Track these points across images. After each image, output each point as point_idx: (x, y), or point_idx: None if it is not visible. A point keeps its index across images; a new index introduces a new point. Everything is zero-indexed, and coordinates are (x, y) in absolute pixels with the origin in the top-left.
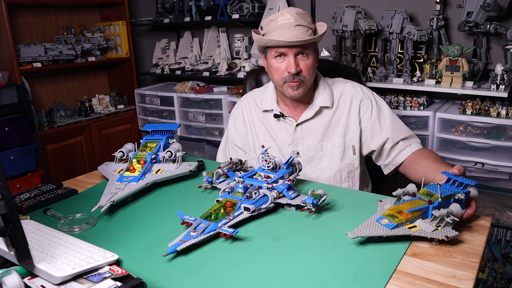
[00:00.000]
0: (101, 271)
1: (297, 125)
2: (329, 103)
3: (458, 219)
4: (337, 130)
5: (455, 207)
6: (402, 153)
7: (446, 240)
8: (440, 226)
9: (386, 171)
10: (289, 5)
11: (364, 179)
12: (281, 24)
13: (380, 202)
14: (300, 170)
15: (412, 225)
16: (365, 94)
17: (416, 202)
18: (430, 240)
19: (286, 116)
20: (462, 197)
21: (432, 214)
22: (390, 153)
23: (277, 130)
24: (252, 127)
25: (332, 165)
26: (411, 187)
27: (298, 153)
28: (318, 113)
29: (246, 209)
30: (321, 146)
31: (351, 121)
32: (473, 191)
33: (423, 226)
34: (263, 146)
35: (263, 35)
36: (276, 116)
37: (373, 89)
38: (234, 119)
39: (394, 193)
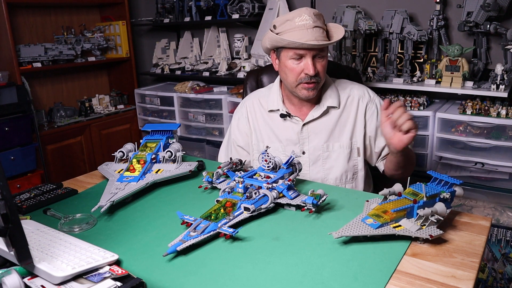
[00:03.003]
0: (101, 271)
1: (304, 124)
2: (336, 103)
3: (442, 218)
4: (344, 131)
5: (439, 206)
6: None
7: (430, 239)
8: (424, 225)
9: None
10: (289, 6)
11: (368, 180)
12: (300, 25)
13: (367, 202)
14: (300, 170)
15: (397, 224)
16: (371, 98)
17: (401, 202)
18: (415, 239)
19: (292, 116)
20: (447, 196)
21: (417, 214)
22: (382, 158)
23: (283, 130)
24: (256, 128)
25: (338, 165)
26: (397, 187)
27: (304, 153)
28: (325, 113)
29: (246, 209)
30: (327, 146)
31: (358, 123)
32: (458, 190)
33: (407, 226)
34: (267, 147)
35: (276, 34)
36: (282, 115)
37: (373, 89)
38: (237, 119)
39: (380, 193)
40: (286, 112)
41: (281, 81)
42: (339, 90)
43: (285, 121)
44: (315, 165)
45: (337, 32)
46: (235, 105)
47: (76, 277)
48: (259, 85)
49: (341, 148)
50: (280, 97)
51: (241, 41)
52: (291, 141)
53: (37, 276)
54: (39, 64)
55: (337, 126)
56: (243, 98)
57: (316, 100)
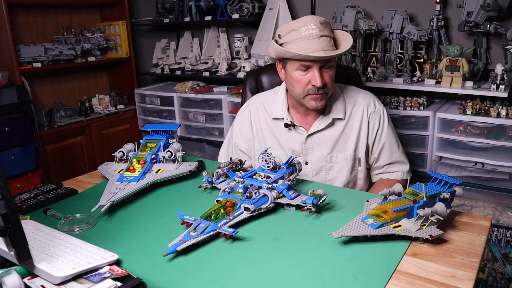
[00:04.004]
0: (101, 271)
1: (308, 135)
2: (341, 114)
3: (442, 218)
4: (348, 142)
5: (439, 206)
6: (380, 175)
7: (430, 239)
8: (424, 225)
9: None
10: (289, 6)
11: (366, 184)
12: (305, 35)
13: (367, 202)
14: (300, 170)
15: (397, 224)
16: (375, 109)
17: (402, 202)
18: (415, 239)
19: (297, 126)
20: (447, 196)
21: (417, 214)
22: (373, 170)
23: (287, 139)
24: (259, 134)
25: (341, 177)
26: (397, 187)
27: (307, 163)
28: (330, 124)
29: (246, 209)
30: (331, 157)
31: (362, 134)
32: (458, 190)
33: (407, 226)
34: (268, 148)
35: (281, 44)
36: (286, 125)
37: (373, 89)
38: (240, 122)
39: (380, 193)
40: (291, 122)
41: (287, 89)
42: (345, 99)
43: (289, 131)
44: (317, 176)
45: (345, 40)
46: (235, 105)
47: (76, 277)
48: (259, 85)
49: (345, 160)
50: (286, 105)
51: (241, 41)
52: (295, 151)
53: (37, 276)
54: (39, 64)
55: (341, 137)
56: (243, 98)
57: (321, 110)
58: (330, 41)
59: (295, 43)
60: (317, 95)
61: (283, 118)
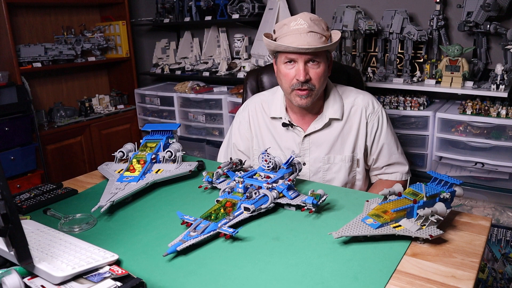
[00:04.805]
0: (101, 271)
1: (305, 136)
2: (338, 114)
3: (442, 218)
4: (346, 143)
5: (439, 206)
6: (379, 176)
7: (430, 239)
8: (424, 225)
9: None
10: (289, 6)
11: (365, 185)
12: (294, 30)
13: (367, 202)
14: (300, 170)
15: (397, 224)
16: (375, 110)
17: (402, 202)
18: (415, 239)
19: (295, 126)
20: (447, 196)
21: (417, 214)
22: (372, 171)
23: (284, 139)
24: (258, 133)
25: (339, 178)
26: (397, 187)
27: (304, 164)
28: (327, 125)
29: (246, 209)
30: (328, 158)
31: (360, 135)
32: (458, 190)
33: (407, 226)
34: (268, 148)
35: (275, 39)
36: (284, 125)
37: (373, 89)
38: (239, 122)
39: (380, 193)
40: (289, 121)
41: None
42: (344, 99)
43: (287, 130)
44: (315, 177)
45: (335, 38)
46: (235, 105)
47: (76, 277)
48: (259, 85)
49: (343, 161)
50: (284, 104)
51: (241, 41)
52: (294, 151)
53: (37, 276)
54: (39, 64)
55: (339, 138)
56: (243, 98)
57: (318, 110)
58: (320, 37)
59: (284, 37)
60: (302, 91)
61: (281, 118)
